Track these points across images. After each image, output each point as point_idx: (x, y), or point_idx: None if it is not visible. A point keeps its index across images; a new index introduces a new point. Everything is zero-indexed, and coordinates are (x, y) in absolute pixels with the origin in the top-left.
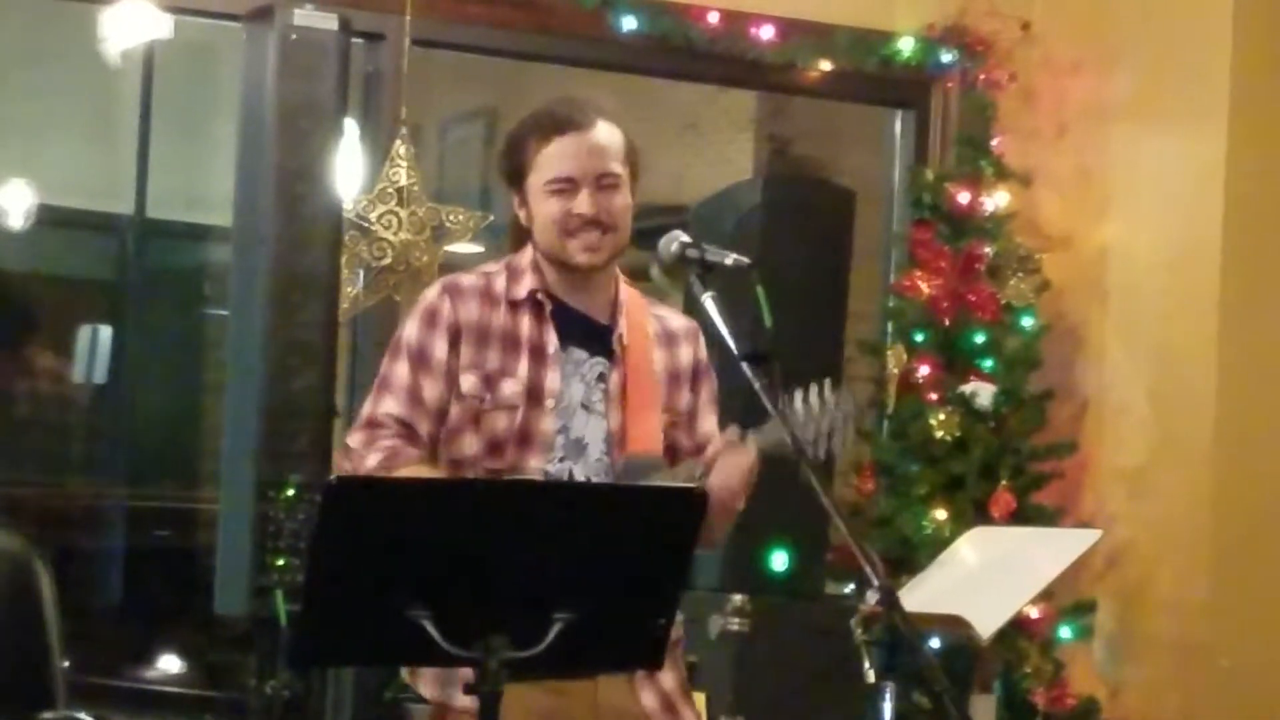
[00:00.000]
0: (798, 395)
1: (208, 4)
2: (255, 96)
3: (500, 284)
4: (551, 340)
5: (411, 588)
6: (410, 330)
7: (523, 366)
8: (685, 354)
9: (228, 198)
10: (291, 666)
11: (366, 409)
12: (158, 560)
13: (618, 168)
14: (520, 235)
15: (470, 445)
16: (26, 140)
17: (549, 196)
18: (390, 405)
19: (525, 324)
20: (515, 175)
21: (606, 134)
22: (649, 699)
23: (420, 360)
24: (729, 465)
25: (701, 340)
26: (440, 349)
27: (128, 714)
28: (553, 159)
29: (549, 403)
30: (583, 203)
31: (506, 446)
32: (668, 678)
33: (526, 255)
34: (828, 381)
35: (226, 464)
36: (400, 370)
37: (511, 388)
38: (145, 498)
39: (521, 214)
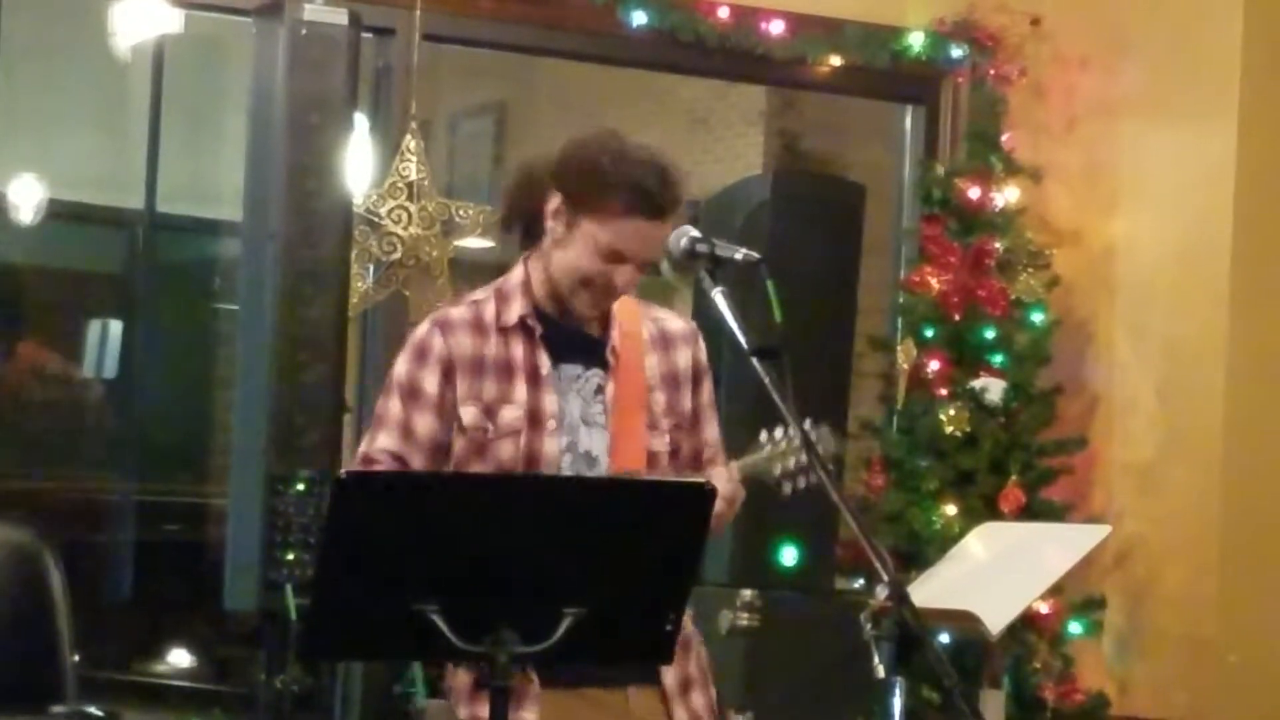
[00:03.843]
0: (778, 430)
1: None
2: (265, 91)
3: (490, 312)
4: (544, 363)
5: (421, 582)
6: (401, 367)
7: (520, 392)
8: (683, 356)
9: (237, 192)
10: (301, 661)
11: (362, 447)
12: (168, 555)
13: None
14: (532, 228)
15: None
16: (37, 134)
17: (595, 254)
18: (383, 441)
19: (519, 349)
20: (580, 201)
21: (671, 226)
22: (681, 716)
23: (411, 395)
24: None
25: (701, 343)
26: (431, 383)
27: (137, 708)
28: (623, 234)
29: (550, 424)
30: (622, 276)
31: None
32: (699, 699)
33: (517, 276)
34: (808, 421)
35: (236, 459)
36: (393, 406)
37: (512, 413)
38: (155, 492)
39: (557, 224)
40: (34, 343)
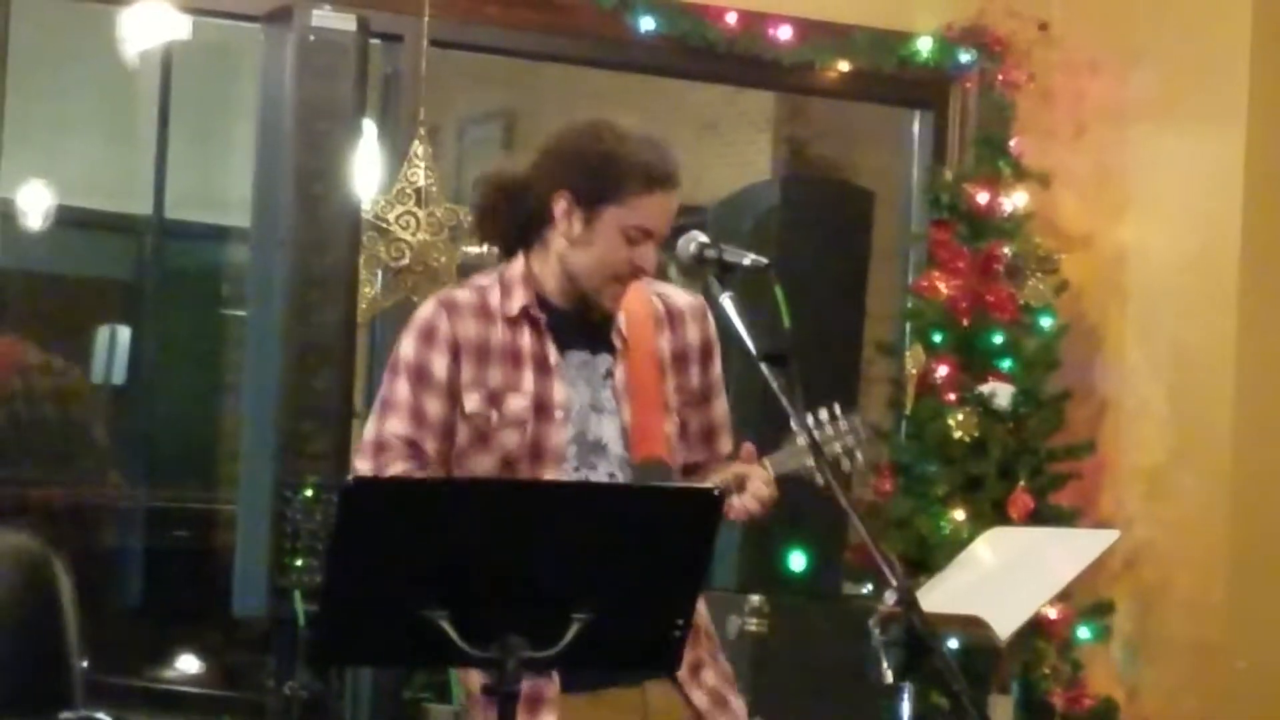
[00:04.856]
0: (809, 419)
1: (226, 5)
2: (273, 97)
3: (495, 299)
4: (552, 352)
5: (429, 588)
6: (408, 348)
7: (528, 381)
8: (693, 332)
9: (246, 198)
10: (310, 667)
11: (370, 431)
12: (176, 561)
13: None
14: (522, 236)
15: (482, 464)
16: (46, 141)
17: (622, 239)
18: (395, 425)
19: (525, 338)
20: (597, 192)
21: (677, 195)
22: (699, 698)
23: (420, 378)
24: (756, 490)
25: (710, 318)
26: (440, 366)
27: (146, 714)
28: (648, 210)
29: (558, 414)
30: (646, 255)
31: (520, 462)
32: (709, 674)
33: (518, 266)
34: (837, 407)
35: (245, 465)
36: (401, 389)
37: (519, 403)
38: (164, 498)
39: (573, 223)
40: (4, 337)
